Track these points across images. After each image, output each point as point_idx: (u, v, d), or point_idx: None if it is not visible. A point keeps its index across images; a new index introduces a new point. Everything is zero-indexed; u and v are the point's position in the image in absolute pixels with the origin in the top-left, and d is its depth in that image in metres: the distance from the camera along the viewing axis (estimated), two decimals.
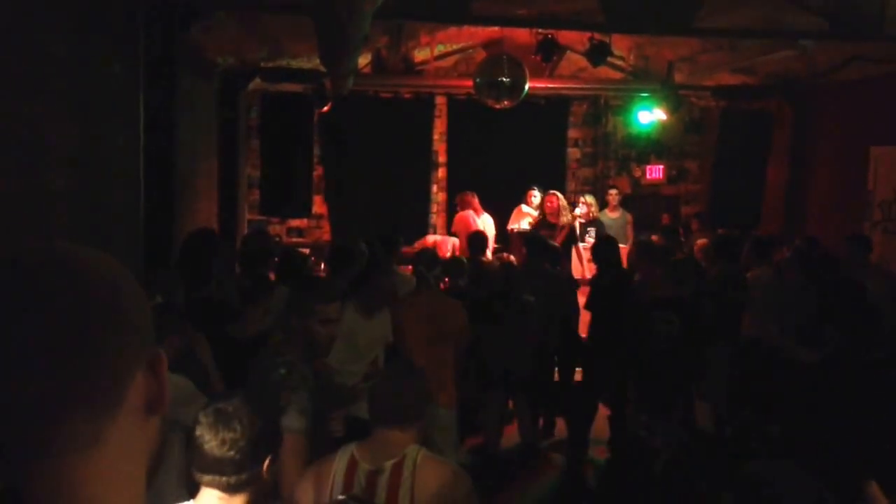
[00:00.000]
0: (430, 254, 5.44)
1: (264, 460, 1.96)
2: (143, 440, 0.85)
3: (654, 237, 9.10)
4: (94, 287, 0.80)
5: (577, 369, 6.45)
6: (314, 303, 3.02)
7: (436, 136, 10.88)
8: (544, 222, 8.32)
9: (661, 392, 5.30)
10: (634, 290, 5.97)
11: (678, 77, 9.07)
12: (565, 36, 8.19)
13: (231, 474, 1.93)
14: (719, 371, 5.65)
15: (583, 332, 6.38)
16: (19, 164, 3.39)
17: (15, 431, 0.76)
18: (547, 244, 6.73)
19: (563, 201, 8.51)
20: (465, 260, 6.21)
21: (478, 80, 8.39)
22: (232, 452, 1.92)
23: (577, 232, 8.52)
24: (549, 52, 8.17)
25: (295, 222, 10.53)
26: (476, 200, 9.24)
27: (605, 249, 6.32)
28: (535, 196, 9.17)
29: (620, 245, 8.91)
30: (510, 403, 6.10)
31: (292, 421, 2.67)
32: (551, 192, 8.64)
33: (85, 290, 0.79)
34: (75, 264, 0.81)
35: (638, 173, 11.42)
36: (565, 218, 8.29)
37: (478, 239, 6.94)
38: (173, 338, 3.29)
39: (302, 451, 2.69)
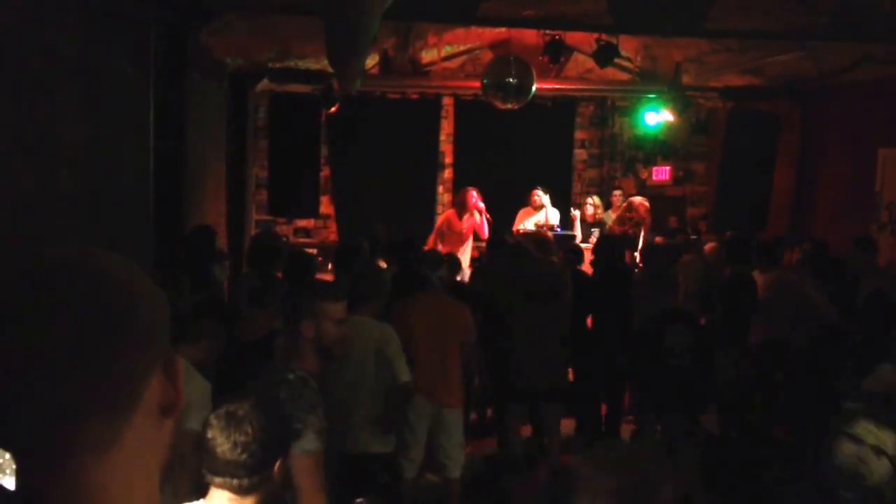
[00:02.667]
0: (435, 255, 5.44)
1: (275, 462, 1.96)
2: (157, 442, 0.86)
3: (658, 238, 9.12)
4: (114, 290, 0.81)
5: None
6: (324, 302, 2.80)
7: (442, 137, 10.88)
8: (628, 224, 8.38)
9: (671, 405, 5.26)
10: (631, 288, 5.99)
11: (685, 78, 9.04)
12: (573, 37, 8.18)
13: (243, 477, 1.93)
14: (726, 374, 5.64)
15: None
16: (30, 164, 3.40)
17: (34, 433, 0.77)
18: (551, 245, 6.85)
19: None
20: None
21: (485, 81, 8.38)
22: (245, 456, 1.92)
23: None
24: (557, 54, 8.15)
25: (302, 222, 10.56)
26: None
27: (603, 247, 6.34)
28: (539, 196, 9.16)
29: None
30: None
31: (309, 443, 2.51)
32: (642, 198, 8.82)
33: (104, 293, 0.80)
34: (95, 267, 0.82)
35: (644, 175, 11.40)
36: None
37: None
38: (207, 342, 3.28)
39: (319, 472, 2.55)
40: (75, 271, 0.80)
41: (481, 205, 8.68)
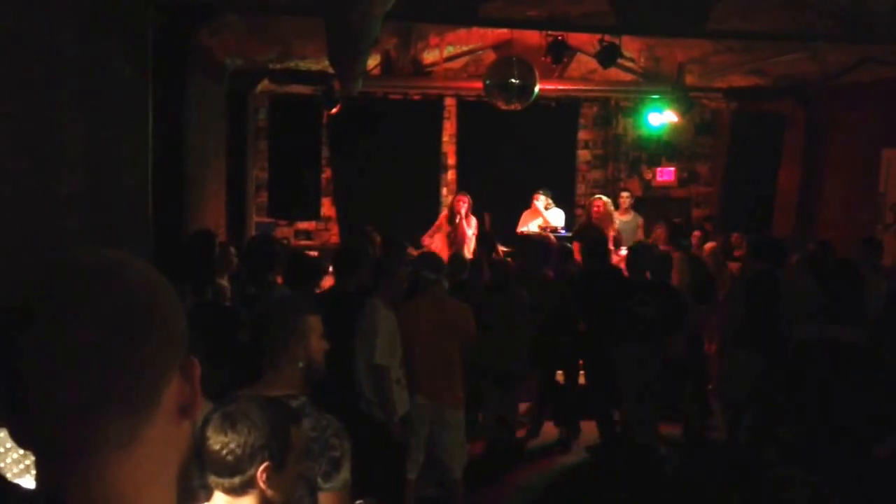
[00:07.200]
0: (436, 257, 5.40)
1: (256, 465, 1.94)
2: (176, 442, 0.89)
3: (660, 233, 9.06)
4: (136, 292, 0.84)
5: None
6: (311, 317, 2.69)
7: (445, 138, 10.85)
8: (590, 226, 8.31)
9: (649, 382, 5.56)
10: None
11: (689, 79, 9.01)
12: (575, 38, 8.15)
13: (225, 477, 1.94)
14: (745, 376, 5.62)
15: None
16: (30, 166, 3.38)
17: (55, 429, 0.80)
18: (548, 248, 6.89)
19: (609, 206, 8.57)
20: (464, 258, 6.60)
21: (487, 81, 8.36)
22: (224, 453, 1.93)
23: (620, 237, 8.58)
24: (559, 54, 8.13)
25: (303, 225, 10.51)
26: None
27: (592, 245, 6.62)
28: (540, 200, 9.13)
29: None
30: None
31: (347, 472, 2.46)
32: (598, 196, 8.66)
33: (127, 295, 0.83)
34: (118, 270, 0.85)
35: (648, 176, 11.36)
36: (610, 223, 8.35)
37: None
38: None
39: (345, 502, 2.50)
40: (99, 272, 0.83)
41: (463, 211, 8.59)
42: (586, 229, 8.31)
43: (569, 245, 7.20)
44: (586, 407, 6.41)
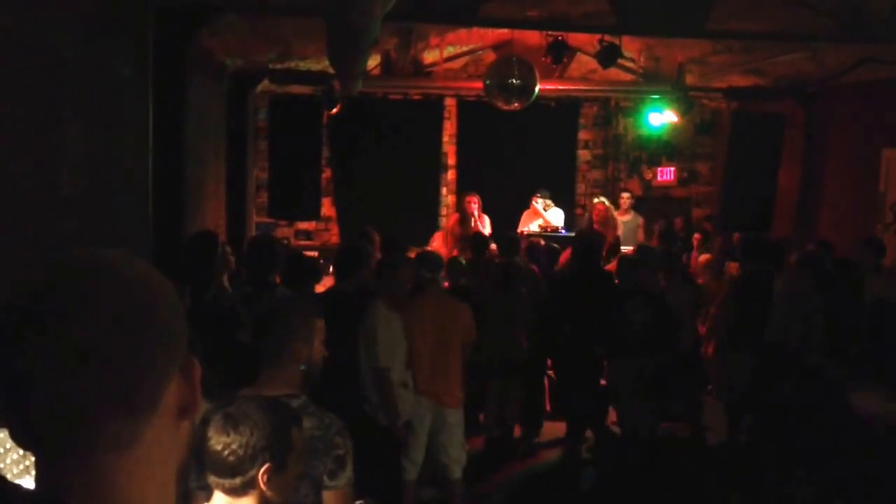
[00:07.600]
0: (434, 256, 5.40)
1: (258, 467, 1.95)
2: (175, 443, 0.89)
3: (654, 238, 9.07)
4: (137, 293, 0.84)
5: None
6: (317, 321, 2.72)
7: (445, 139, 10.84)
8: (591, 229, 8.31)
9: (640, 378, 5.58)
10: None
11: (689, 79, 9.01)
12: (575, 38, 8.15)
13: (226, 478, 1.94)
14: (742, 377, 5.64)
15: None
16: (30, 166, 3.38)
17: (56, 430, 0.80)
18: (536, 249, 7.06)
19: (612, 210, 8.55)
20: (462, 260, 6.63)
21: (488, 81, 8.36)
22: (226, 453, 1.94)
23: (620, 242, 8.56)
24: (560, 54, 8.12)
25: (303, 225, 10.51)
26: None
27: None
28: (539, 201, 9.13)
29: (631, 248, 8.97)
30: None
31: (339, 480, 2.49)
32: (599, 200, 8.69)
33: (128, 296, 0.83)
34: (119, 270, 0.85)
35: (649, 175, 11.36)
36: (612, 228, 8.34)
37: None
38: None
39: (349, 500, 2.54)
40: (99, 272, 0.83)
41: (476, 212, 8.57)
42: (588, 233, 8.28)
43: (556, 246, 7.19)
44: (579, 406, 6.39)
